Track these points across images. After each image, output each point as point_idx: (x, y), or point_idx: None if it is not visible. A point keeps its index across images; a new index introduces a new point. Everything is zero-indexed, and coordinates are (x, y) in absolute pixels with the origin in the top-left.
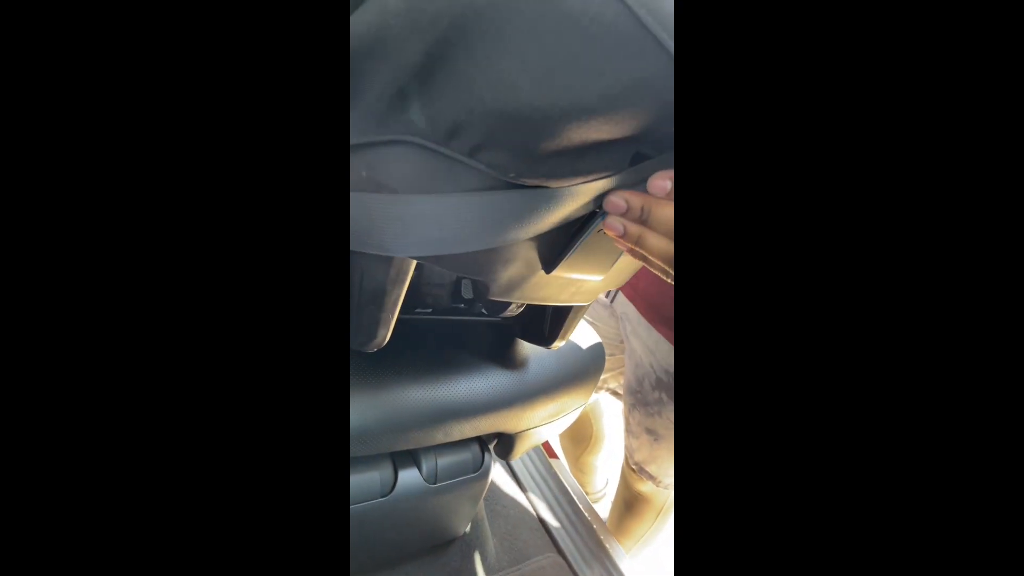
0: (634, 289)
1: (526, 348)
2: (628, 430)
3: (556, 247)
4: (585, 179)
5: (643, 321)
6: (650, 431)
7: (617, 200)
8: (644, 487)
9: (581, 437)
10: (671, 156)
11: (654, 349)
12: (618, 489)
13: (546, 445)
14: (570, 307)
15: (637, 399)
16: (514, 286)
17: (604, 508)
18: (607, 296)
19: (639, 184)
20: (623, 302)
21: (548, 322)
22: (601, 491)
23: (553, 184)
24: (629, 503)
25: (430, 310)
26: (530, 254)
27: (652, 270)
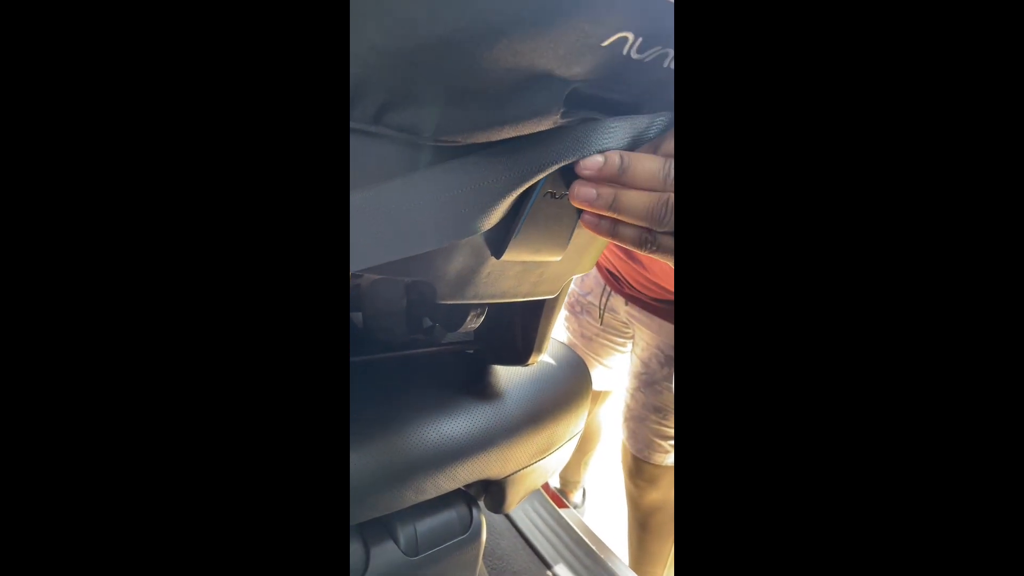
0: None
1: (501, 376)
2: (630, 418)
3: (502, 227)
4: (515, 128)
5: (647, 313)
6: (658, 409)
7: (591, 161)
8: (655, 494)
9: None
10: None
11: (658, 331)
12: (628, 515)
13: (552, 494)
14: (540, 313)
15: (642, 381)
16: (464, 282)
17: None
18: (599, 308)
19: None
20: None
21: (519, 334)
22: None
23: (480, 138)
24: (643, 523)
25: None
26: (475, 239)
27: (622, 244)
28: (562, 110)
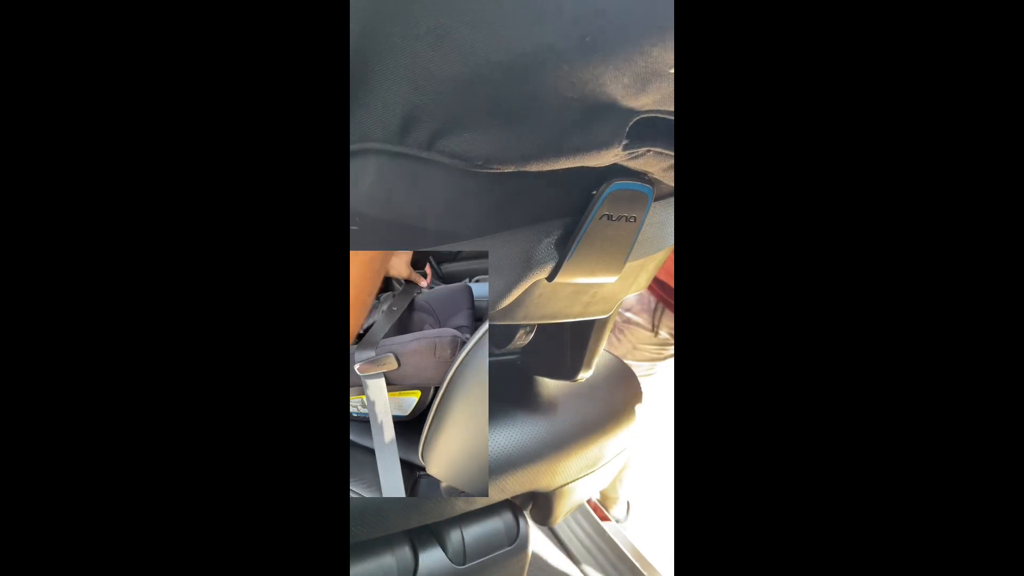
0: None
1: (551, 387)
2: None
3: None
4: (573, 159)
5: None
6: None
7: None
8: None
9: None
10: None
11: None
12: None
13: (594, 505)
14: (591, 329)
15: None
16: (514, 304)
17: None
18: (651, 327)
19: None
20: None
21: (568, 350)
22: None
23: (534, 168)
24: None
25: None
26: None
27: None
28: (625, 142)
